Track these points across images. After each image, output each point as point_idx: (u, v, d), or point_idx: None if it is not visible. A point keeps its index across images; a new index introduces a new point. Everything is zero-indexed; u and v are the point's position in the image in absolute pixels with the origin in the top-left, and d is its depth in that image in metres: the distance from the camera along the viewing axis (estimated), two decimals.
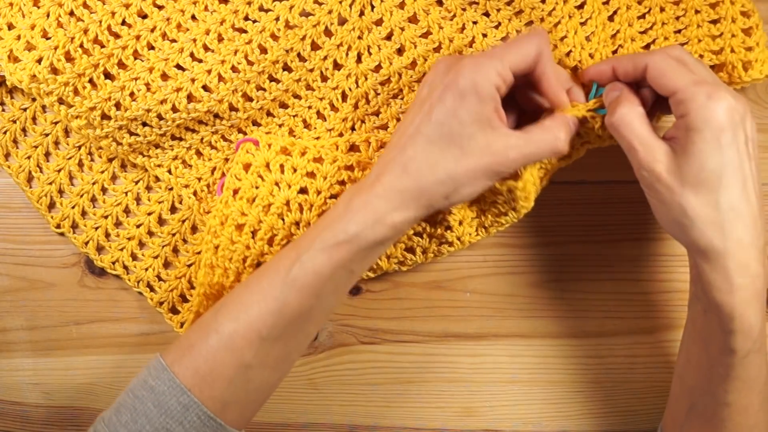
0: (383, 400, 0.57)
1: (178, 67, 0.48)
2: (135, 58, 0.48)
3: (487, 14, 0.50)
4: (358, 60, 0.50)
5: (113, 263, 0.53)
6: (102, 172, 0.52)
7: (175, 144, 0.51)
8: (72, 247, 0.54)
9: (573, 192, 0.54)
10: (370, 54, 0.50)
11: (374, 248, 0.43)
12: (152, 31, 0.48)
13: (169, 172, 0.51)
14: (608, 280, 0.56)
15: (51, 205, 0.53)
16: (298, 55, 0.49)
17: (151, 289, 0.53)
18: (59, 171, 0.52)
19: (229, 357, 0.43)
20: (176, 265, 0.53)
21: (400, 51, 0.50)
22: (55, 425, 0.57)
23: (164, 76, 0.48)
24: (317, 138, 0.50)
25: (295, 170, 0.48)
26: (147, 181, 0.52)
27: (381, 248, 0.44)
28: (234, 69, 0.48)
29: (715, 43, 0.50)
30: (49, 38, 0.47)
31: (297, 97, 0.51)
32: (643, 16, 0.50)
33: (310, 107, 0.51)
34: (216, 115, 0.49)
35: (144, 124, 0.49)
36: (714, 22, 0.50)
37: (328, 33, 0.49)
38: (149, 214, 0.52)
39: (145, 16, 0.48)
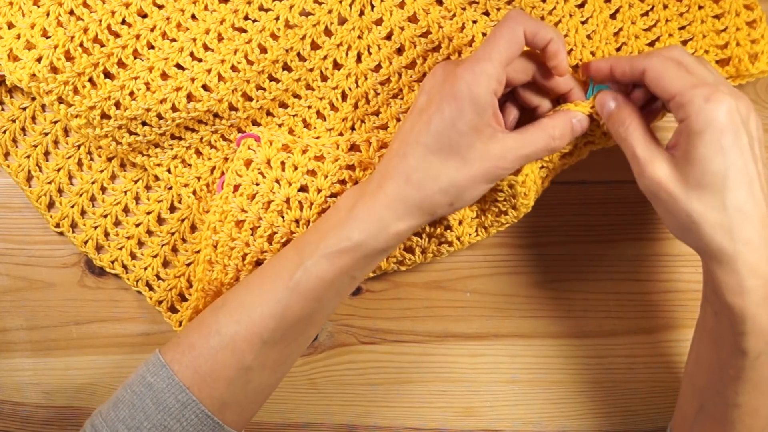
0: (383, 400, 0.57)
1: (178, 66, 0.48)
2: (135, 58, 0.48)
3: (486, 13, 0.50)
4: (358, 60, 0.50)
5: (112, 262, 0.53)
6: (101, 171, 0.52)
7: (175, 143, 0.51)
8: (72, 247, 0.54)
9: (573, 192, 0.54)
10: (369, 54, 0.50)
11: (377, 255, 0.44)
12: (152, 30, 0.48)
13: (169, 171, 0.51)
14: (608, 280, 0.56)
15: (50, 205, 0.53)
16: (298, 54, 0.49)
17: (150, 288, 0.53)
18: (58, 170, 0.52)
19: (230, 358, 0.43)
20: (175, 264, 0.53)
21: (399, 51, 0.50)
22: (55, 425, 0.57)
23: (164, 76, 0.48)
24: (317, 138, 0.50)
25: (296, 168, 0.48)
26: (146, 180, 0.52)
27: (383, 255, 0.44)
28: (234, 68, 0.48)
29: (720, 38, 0.50)
30: (49, 37, 0.47)
31: (297, 96, 0.51)
32: (646, 14, 0.50)
33: (309, 107, 0.51)
34: (216, 115, 0.49)
35: (144, 124, 0.49)
36: (718, 17, 0.50)
37: (328, 32, 0.49)
38: (148, 213, 0.53)
39: (145, 16, 0.48)
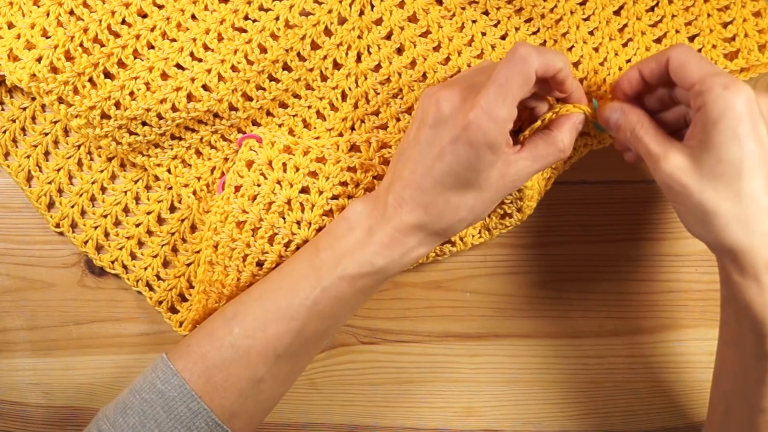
0: (383, 400, 0.57)
1: (178, 66, 0.48)
2: (135, 57, 0.48)
3: (486, 12, 0.50)
4: (358, 59, 0.50)
5: (112, 262, 0.53)
6: (101, 171, 0.52)
7: (175, 143, 0.51)
8: (72, 247, 0.54)
9: (573, 192, 0.54)
10: (369, 53, 0.50)
11: (395, 275, 0.45)
12: (152, 30, 0.48)
13: (169, 171, 0.51)
14: (608, 280, 0.56)
15: (50, 205, 0.53)
16: (298, 54, 0.49)
17: (150, 289, 0.53)
18: (58, 170, 0.52)
19: (243, 370, 0.43)
20: (175, 265, 0.53)
21: (399, 50, 0.50)
22: (55, 425, 0.57)
23: (164, 76, 0.48)
24: (317, 138, 0.50)
25: (297, 169, 0.48)
26: (146, 180, 0.52)
27: (399, 273, 0.45)
28: (234, 68, 0.48)
29: (727, 31, 0.49)
30: (49, 37, 0.47)
31: (297, 96, 0.51)
32: (651, 9, 0.50)
33: (309, 107, 0.51)
34: (216, 115, 0.49)
35: (144, 124, 0.49)
36: (723, 9, 0.50)
37: (327, 32, 0.49)
38: (148, 213, 0.52)
39: (145, 16, 0.48)
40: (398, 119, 0.50)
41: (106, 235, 0.53)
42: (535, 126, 0.44)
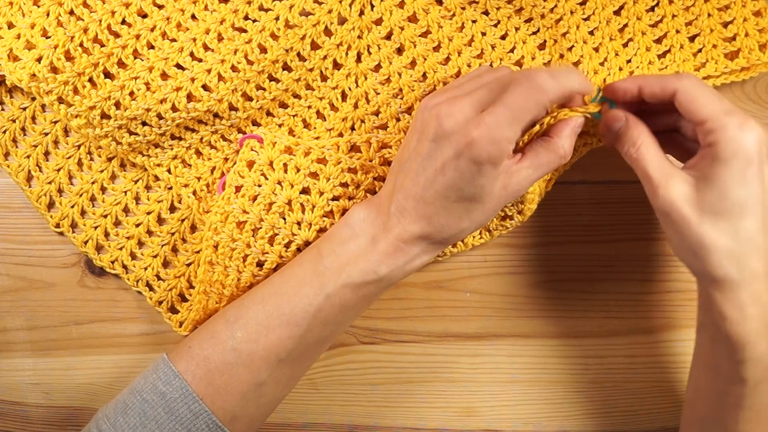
0: (383, 400, 0.57)
1: (178, 66, 0.48)
2: (135, 57, 0.48)
3: (486, 12, 0.50)
4: (358, 59, 0.50)
5: (112, 262, 0.53)
6: (101, 171, 0.52)
7: (175, 143, 0.51)
8: (72, 247, 0.54)
9: (573, 192, 0.54)
10: (369, 53, 0.50)
11: (399, 281, 0.45)
12: (152, 30, 0.48)
13: (169, 171, 0.51)
14: (608, 280, 0.56)
15: (50, 205, 0.53)
16: (298, 54, 0.49)
17: (150, 289, 0.53)
18: (58, 170, 0.52)
19: (245, 374, 0.44)
20: (175, 265, 0.53)
21: (399, 50, 0.50)
22: (55, 425, 0.57)
23: (164, 76, 0.48)
24: (317, 138, 0.50)
25: (298, 170, 0.48)
26: (146, 180, 0.52)
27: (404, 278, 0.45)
28: (234, 68, 0.48)
29: (727, 30, 0.50)
30: (49, 37, 0.47)
31: (297, 96, 0.51)
32: (651, 9, 0.50)
33: (309, 107, 0.51)
34: (216, 115, 0.49)
35: (144, 124, 0.49)
36: (723, 9, 0.50)
37: (327, 32, 0.49)
38: (148, 213, 0.52)
39: (145, 16, 0.48)
40: (398, 119, 0.50)
41: (106, 235, 0.53)
42: (534, 131, 0.43)
